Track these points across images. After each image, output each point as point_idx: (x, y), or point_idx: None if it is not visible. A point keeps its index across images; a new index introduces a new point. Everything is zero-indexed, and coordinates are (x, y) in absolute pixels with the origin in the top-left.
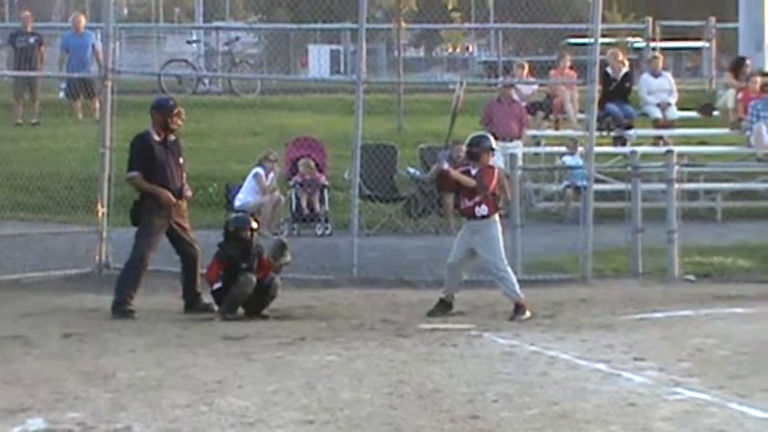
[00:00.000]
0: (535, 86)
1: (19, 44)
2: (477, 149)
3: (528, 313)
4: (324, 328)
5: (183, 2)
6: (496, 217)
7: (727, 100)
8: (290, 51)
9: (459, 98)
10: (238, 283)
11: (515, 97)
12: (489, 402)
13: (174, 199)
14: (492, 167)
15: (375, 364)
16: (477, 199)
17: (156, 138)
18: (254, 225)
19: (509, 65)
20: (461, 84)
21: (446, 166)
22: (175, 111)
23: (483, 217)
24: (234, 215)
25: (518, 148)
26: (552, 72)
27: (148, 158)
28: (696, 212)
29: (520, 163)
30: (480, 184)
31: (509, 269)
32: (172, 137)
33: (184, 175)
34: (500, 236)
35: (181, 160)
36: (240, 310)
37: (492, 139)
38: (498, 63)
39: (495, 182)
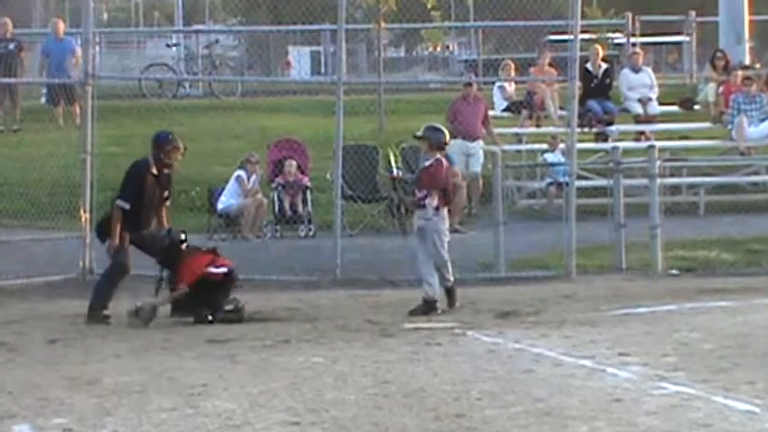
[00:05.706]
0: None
1: None
2: (419, 137)
3: (440, 311)
4: (308, 330)
5: (163, 6)
6: (444, 212)
7: (708, 94)
8: (270, 53)
9: None
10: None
11: (479, 95)
12: (474, 400)
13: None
14: (439, 162)
15: (360, 365)
16: (424, 192)
17: (153, 171)
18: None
19: (489, 63)
20: None
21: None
22: (168, 147)
23: (433, 209)
24: None
25: (479, 147)
26: (532, 69)
27: (139, 190)
28: (679, 207)
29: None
30: (417, 179)
31: (449, 264)
32: (166, 170)
33: (167, 202)
34: (446, 230)
35: (166, 193)
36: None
37: (441, 132)
38: (478, 61)
39: (433, 179)
